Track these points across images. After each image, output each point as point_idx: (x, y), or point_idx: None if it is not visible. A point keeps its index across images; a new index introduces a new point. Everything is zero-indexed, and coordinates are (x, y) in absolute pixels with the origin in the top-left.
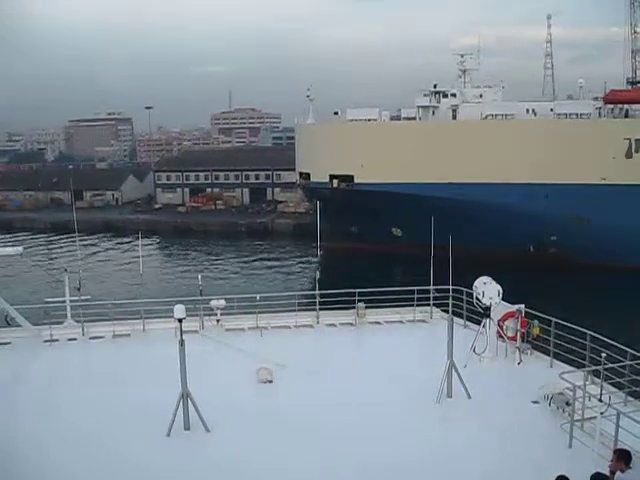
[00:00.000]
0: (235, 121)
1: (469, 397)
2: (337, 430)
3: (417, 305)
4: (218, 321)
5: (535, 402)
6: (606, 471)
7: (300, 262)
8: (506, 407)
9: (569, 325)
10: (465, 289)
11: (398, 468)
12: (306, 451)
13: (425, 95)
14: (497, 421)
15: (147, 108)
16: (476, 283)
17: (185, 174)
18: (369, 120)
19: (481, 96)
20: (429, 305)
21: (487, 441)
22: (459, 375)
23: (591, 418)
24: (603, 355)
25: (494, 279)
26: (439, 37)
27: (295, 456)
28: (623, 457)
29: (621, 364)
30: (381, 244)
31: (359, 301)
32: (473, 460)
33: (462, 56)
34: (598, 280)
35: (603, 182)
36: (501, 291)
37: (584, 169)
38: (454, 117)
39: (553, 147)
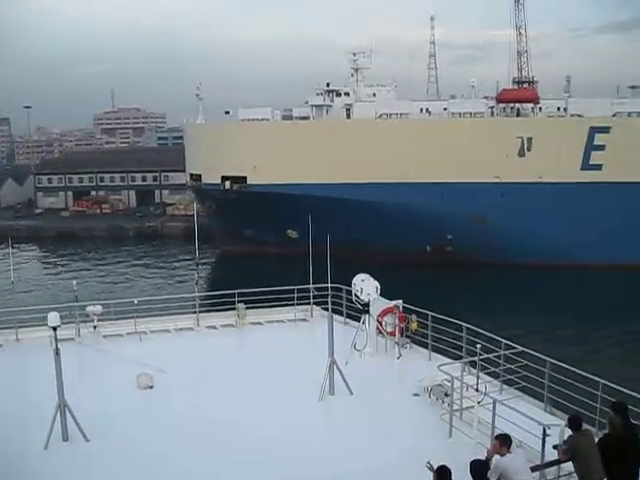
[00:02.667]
0: (119, 121)
1: (351, 393)
2: (220, 433)
3: (298, 304)
4: (95, 327)
5: (415, 395)
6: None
7: (191, 266)
8: (387, 401)
9: (445, 318)
10: (344, 287)
11: (283, 467)
12: (189, 456)
13: (318, 94)
14: (379, 415)
15: (25, 107)
16: (355, 280)
17: (68, 177)
18: (261, 120)
19: (374, 95)
20: (310, 304)
21: (370, 436)
22: (340, 372)
23: (469, 407)
24: (478, 346)
25: (388, 277)
26: (327, 37)
27: (178, 462)
28: (506, 441)
29: (496, 354)
30: (277, 246)
31: (240, 302)
32: (357, 455)
33: (354, 55)
34: (487, 276)
35: (497, 181)
36: (379, 287)
37: (478, 168)
38: (348, 116)
39: (448, 146)
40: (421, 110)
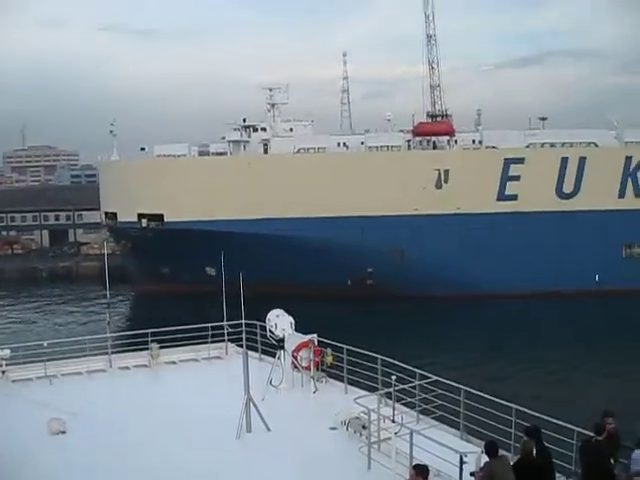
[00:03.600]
0: (29, 159)
1: (268, 430)
2: (137, 476)
3: (212, 342)
4: (3, 372)
5: (333, 428)
6: None
7: (104, 306)
8: (305, 436)
9: (361, 351)
10: (259, 322)
11: None
12: None
13: (235, 129)
14: (298, 451)
15: None
16: (269, 316)
17: None
18: (178, 156)
19: (292, 130)
20: (224, 341)
21: (290, 472)
22: (257, 408)
23: (386, 439)
24: (393, 377)
25: (306, 312)
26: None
27: None
28: (422, 472)
29: (411, 384)
30: (195, 284)
31: (153, 341)
32: None
33: (270, 90)
34: (406, 309)
35: (415, 213)
36: (293, 323)
37: (397, 201)
38: (266, 151)
39: (367, 180)
40: (338, 144)
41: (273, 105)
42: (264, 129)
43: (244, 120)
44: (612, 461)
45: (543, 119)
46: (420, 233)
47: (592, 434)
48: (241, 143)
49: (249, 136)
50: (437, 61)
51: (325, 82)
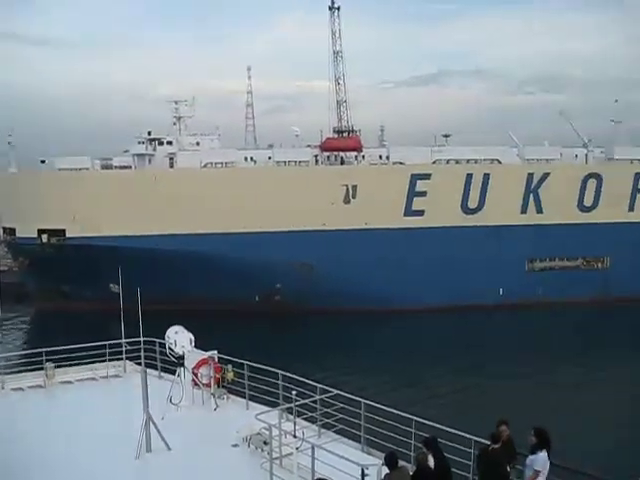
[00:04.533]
0: None
1: (169, 449)
2: None
3: (111, 360)
4: None
5: (235, 445)
6: None
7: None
8: (207, 454)
9: (262, 367)
10: (158, 340)
11: None
12: None
13: (140, 143)
14: (199, 469)
15: None
16: (168, 333)
17: None
18: (80, 169)
19: (198, 144)
20: (122, 359)
21: None
22: (157, 427)
23: (288, 454)
24: (294, 392)
25: (212, 328)
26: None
27: None
28: None
29: (312, 399)
30: (98, 302)
31: (48, 361)
32: None
33: (176, 103)
34: (312, 324)
35: (323, 228)
36: (193, 339)
37: (305, 216)
38: (171, 165)
39: (275, 194)
40: (246, 159)
41: (179, 118)
42: (170, 142)
43: (149, 133)
44: (508, 468)
45: (446, 136)
46: (329, 248)
47: (489, 442)
48: (146, 157)
49: (154, 149)
50: (343, 77)
51: (229, 96)
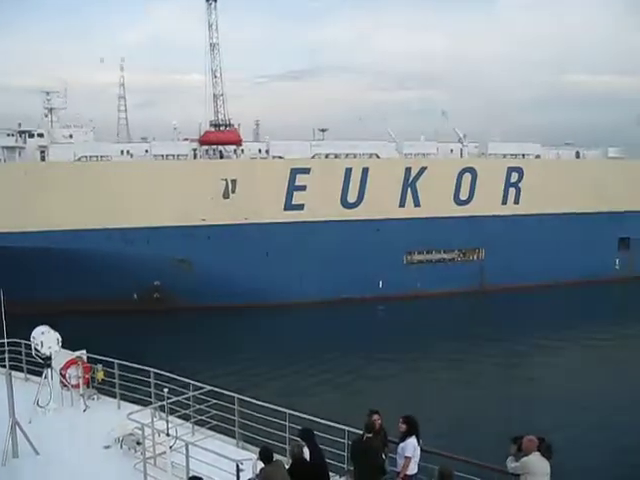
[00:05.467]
0: None
1: (37, 454)
2: None
3: None
4: None
5: (107, 447)
6: None
7: None
8: (78, 457)
9: (133, 365)
10: (23, 341)
11: None
12: None
13: (9, 135)
14: (70, 473)
15: None
16: (34, 334)
17: None
18: None
19: (71, 136)
20: None
21: None
22: (24, 432)
23: (162, 453)
24: (165, 390)
25: (84, 327)
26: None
27: None
28: None
29: (185, 396)
30: None
31: None
32: None
33: (48, 94)
34: (191, 320)
35: (203, 223)
36: (60, 339)
37: (184, 211)
38: (43, 159)
39: (153, 189)
40: (122, 152)
41: (51, 110)
42: (41, 135)
43: (19, 125)
44: (383, 456)
45: (323, 130)
46: (209, 244)
47: (362, 432)
48: (16, 149)
49: (25, 142)
50: (220, 70)
51: (103, 88)
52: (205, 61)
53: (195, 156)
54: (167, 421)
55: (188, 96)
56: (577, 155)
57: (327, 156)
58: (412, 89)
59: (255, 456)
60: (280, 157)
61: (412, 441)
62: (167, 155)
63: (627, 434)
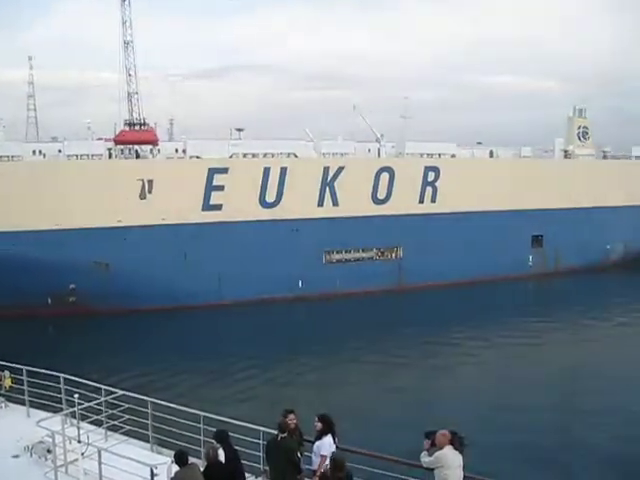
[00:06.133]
0: None
1: None
2: None
3: None
4: None
5: (16, 456)
6: None
7: None
8: None
9: (42, 371)
10: None
11: None
12: None
13: None
14: None
15: None
16: None
17: None
18: None
19: None
20: None
21: None
22: None
23: (74, 461)
24: (76, 396)
25: None
26: None
27: None
28: None
29: (97, 401)
30: None
31: None
32: None
33: None
34: (106, 325)
35: (120, 224)
36: None
37: (101, 212)
38: None
39: (67, 190)
40: (34, 152)
41: None
42: None
43: None
44: (298, 455)
45: (240, 130)
46: (126, 245)
47: (277, 432)
48: None
49: None
50: (134, 68)
51: (11, 87)
52: (119, 59)
53: (110, 156)
54: (78, 427)
55: (101, 95)
56: (491, 154)
57: (245, 156)
58: (327, 89)
59: (170, 460)
60: (197, 157)
61: (328, 439)
62: (81, 155)
63: (538, 427)
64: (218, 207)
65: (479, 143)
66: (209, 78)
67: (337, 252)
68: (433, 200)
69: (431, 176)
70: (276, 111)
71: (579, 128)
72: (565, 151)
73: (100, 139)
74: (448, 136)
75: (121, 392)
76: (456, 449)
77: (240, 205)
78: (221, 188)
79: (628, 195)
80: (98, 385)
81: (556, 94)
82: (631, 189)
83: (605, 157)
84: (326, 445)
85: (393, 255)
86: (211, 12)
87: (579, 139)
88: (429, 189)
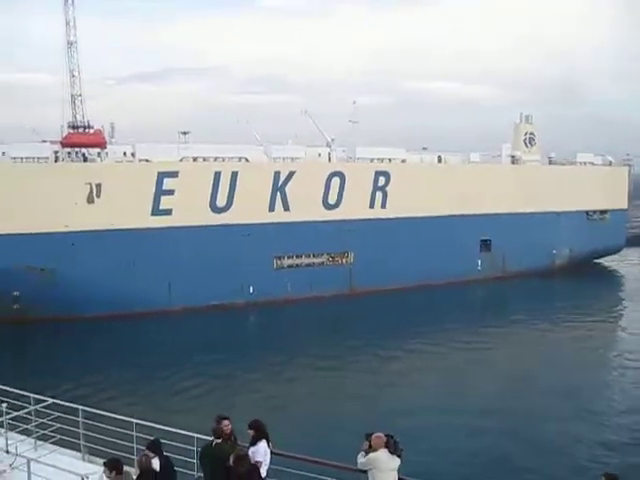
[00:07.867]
0: None
1: None
2: None
3: None
4: None
5: None
6: None
7: None
8: None
9: None
10: None
11: None
12: None
13: None
14: None
15: None
16: None
17: None
18: None
19: None
20: None
21: None
22: None
23: (2, 472)
24: (4, 405)
25: None
26: None
27: None
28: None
29: (26, 410)
30: None
31: None
32: None
33: None
34: (48, 332)
35: (66, 230)
36: None
37: (46, 216)
38: None
39: (13, 195)
40: None
41: None
42: None
43: None
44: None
45: (185, 133)
46: (72, 251)
47: (211, 438)
48: None
49: None
50: (78, 70)
51: None
52: (63, 60)
53: (57, 159)
54: (6, 438)
55: (46, 96)
56: (439, 160)
57: (195, 159)
58: (272, 93)
59: (102, 469)
60: (147, 160)
61: (263, 445)
62: (27, 158)
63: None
64: (168, 212)
65: (424, 149)
66: (146, 81)
67: (288, 257)
68: (383, 205)
69: (381, 181)
70: (220, 114)
71: (525, 134)
72: (512, 157)
73: (45, 142)
74: (396, 141)
75: (50, 400)
76: (391, 452)
77: (190, 210)
78: (171, 192)
79: (573, 200)
80: (26, 394)
81: (504, 101)
82: (576, 195)
83: (551, 163)
84: (261, 451)
85: (344, 260)
86: (148, 15)
87: (525, 145)
88: (379, 194)
